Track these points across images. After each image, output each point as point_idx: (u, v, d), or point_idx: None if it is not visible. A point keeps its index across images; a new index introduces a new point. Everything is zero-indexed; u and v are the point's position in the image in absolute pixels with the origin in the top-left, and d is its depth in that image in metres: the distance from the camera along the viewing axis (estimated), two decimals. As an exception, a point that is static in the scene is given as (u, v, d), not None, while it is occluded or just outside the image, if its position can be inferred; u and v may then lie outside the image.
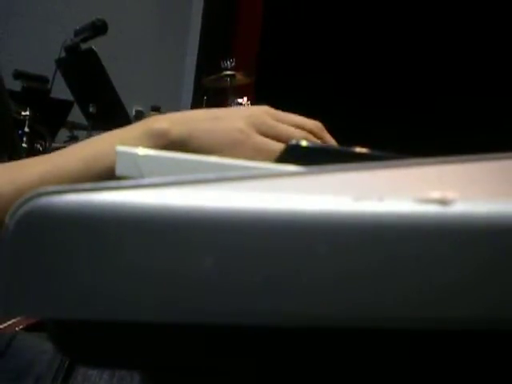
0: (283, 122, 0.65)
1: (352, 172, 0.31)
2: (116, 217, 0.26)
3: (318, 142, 0.66)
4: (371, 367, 0.30)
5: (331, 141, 0.67)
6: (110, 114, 2.62)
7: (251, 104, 2.74)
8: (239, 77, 3.35)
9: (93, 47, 2.67)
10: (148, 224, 0.26)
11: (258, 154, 0.62)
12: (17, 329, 1.04)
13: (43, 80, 3.03)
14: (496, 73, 3.46)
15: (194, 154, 0.62)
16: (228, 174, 0.29)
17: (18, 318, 1.06)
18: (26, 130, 2.67)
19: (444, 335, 0.28)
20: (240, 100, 2.86)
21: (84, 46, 2.69)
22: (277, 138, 0.64)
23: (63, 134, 3.24)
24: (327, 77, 3.81)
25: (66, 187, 0.26)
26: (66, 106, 3.05)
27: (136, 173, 0.40)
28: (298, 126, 0.66)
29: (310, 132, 0.66)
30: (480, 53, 3.54)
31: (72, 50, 2.67)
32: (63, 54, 2.73)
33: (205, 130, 0.63)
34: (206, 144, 0.62)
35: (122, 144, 0.63)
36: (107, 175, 0.62)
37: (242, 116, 0.64)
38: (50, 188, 0.26)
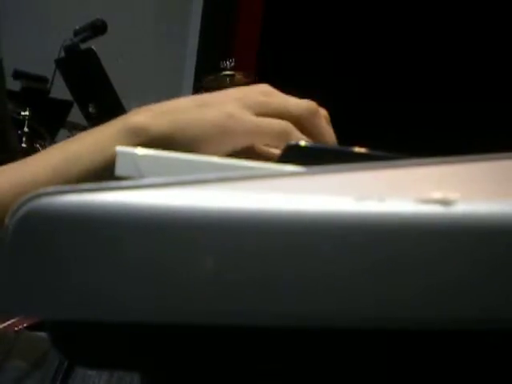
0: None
1: (353, 172, 0.31)
2: (116, 217, 0.26)
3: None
4: (373, 368, 0.30)
5: (326, 130, 0.60)
6: (110, 114, 2.61)
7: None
8: (239, 77, 3.34)
9: (92, 47, 2.67)
10: (149, 224, 0.26)
11: (251, 139, 0.56)
12: (16, 328, 1.04)
13: (43, 80, 3.03)
14: (497, 73, 3.46)
15: (181, 149, 0.54)
16: (229, 174, 0.29)
17: (18, 318, 1.06)
18: (26, 130, 2.67)
19: (446, 335, 0.28)
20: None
21: (83, 46, 2.69)
22: (271, 114, 0.56)
23: (64, 134, 3.24)
24: (327, 77, 3.81)
25: (67, 187, 0.26)
26: (65, 106, 3.05)
27: (136, 173, 0.40)
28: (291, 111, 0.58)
29: (301, 119, 0.58)
30: (482, 53, 3.54)
31: (71, 49, 2.67)
32: (63, 54, 2.73)
33: (190, 120, 0.56)
34: (192, 137, 0.55)
35: (97, 145, 0.57)
36: (83, 180, 0.56)
37: (232, 98, 0.57)
38: (51, 188, 0.26)
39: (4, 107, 0.96)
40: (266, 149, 0.57)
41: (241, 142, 0.56)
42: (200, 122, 0.55)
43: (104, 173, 0.57)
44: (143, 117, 0.56)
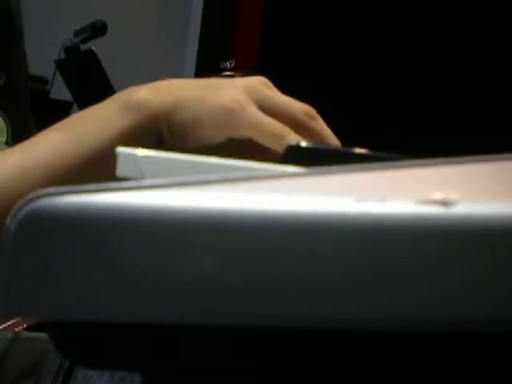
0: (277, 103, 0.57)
1: (354, 173, 0.31)
2: (117, 218, 0.26)
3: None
4: (373, 369, 0.30)
5: (329, 133, 0.59)
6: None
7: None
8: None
9: (92, 48, 2.67)
10: (149, 225, 0.26)
11: (252, 131, 0.54)
12: (16, 329, 1.04)
13: (43, 81, 3.03)
14: (496, 74, 3.46)
15: (181, 128, 0.54)
16: (229, 175, 0.29)
17: (18, 319, 1.06)
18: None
19: (445, 336, 0.28)
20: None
21: (83, 47, 2.69)
22: (275, 109, 0.56)
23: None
24: (328, 78, 3.82)
25: (67, 188, 0.26)
26: (65, 107, 3.05)
27: (136, 174, 0.40)
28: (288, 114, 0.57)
29: (302, 118, 0.57)
30: (482, 54, 3.54)
31: (71, 50, 2.67)
32: (63, 55, 2.73)
33: (194, 98, 0.55)
34: (194, 114, 0.54)
35: (100, 122, 0.56)
36: (90, 160, 0.55)
37: (238, 85, 0.56)
38: (51, 189, 0.26)
39: (26, 103, 0.87)
40: (262, 145, 0.55)
41: (241, 132, 0.54)
42: (204, 102, 0.54)
43: (112, 151, 0.55)
44: (145, 92, 0.55)
